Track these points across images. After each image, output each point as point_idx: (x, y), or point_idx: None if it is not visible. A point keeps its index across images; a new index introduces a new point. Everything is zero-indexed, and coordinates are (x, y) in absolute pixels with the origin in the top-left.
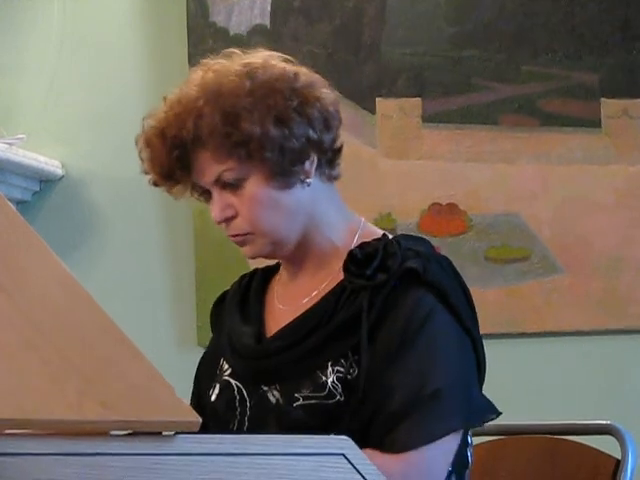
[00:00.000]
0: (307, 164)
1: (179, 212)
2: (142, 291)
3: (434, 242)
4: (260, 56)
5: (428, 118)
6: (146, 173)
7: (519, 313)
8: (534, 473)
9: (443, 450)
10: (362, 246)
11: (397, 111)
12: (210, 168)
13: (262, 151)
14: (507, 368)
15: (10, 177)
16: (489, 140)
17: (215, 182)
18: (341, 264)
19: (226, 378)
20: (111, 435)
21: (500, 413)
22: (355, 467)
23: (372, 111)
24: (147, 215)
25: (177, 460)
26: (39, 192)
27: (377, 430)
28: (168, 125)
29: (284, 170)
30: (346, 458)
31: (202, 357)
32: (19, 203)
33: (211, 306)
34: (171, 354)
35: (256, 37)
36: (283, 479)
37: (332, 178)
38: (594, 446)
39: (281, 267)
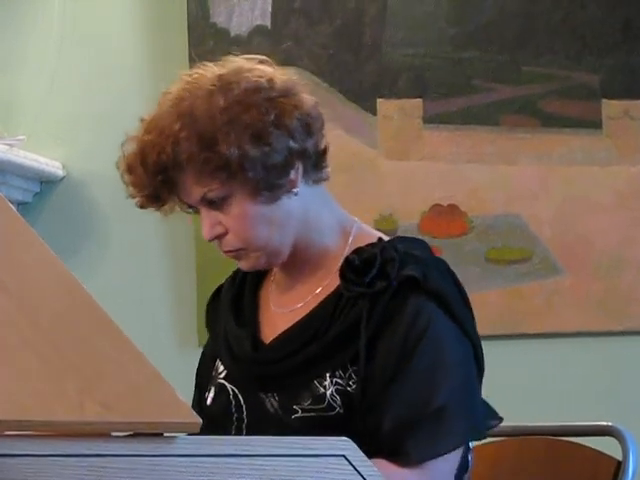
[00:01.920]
0: (292, 173)
1: (180, 213)
2: (143, 292)
3: (435, 243)
4: (233, 66)
5: (429, 119)
6: (132, 197)
7: (520, 314)
8: (535, 474)
9: (451, 462)
10: (358, 251)
11: (398, 112)
12: (193, 189)
13: (244, 172)
14: (508, 369)
15: (11, 178)
16: (490, 141)
17: (201, 201)
18: (336, 267)
19: (221, 381)
20: (112, 436)
21: (501, 419)
22: (356, 469)
23: (373, 112)
24: (148, 216)
25: (178, 461)
26: (40, 193)
27: (382, 442)
28: (147, 151)
29: (269, 185)
30: (347, 459)
31: (201, 356)
32: (20, 204)
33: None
34: (172, 355)
35: (257, 38)
36: None
37: (320, 180)
38: (595, 447)
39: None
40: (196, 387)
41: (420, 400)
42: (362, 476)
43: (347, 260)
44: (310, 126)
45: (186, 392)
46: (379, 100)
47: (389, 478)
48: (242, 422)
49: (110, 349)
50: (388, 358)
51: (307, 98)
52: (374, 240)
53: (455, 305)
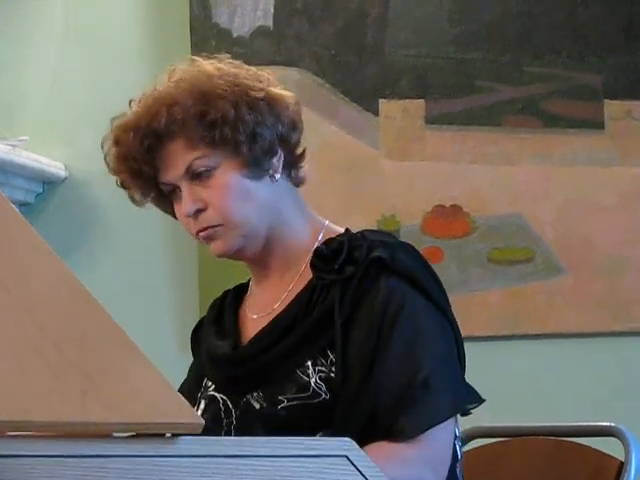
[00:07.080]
0: (275, 159)
1: None
2: (145, 293)
3: (437, 244)
4: (233, 63)
5: (431, 119)
6: (114, 173)
7: (522, 315)
8: (537, 475)
9: (447, 432)
10: (327, 242)
11: (400, 112)
12: (181, 158)
13: (236, 134)
14: (510, 370)
15: (13, 179)
16: (492, 141)
17: (185, 173)
18: (307, 263)
19: (211, 393)
20: (114, 437)
21: (483, 400)
22: (358, 469)
23: (375, 112)
24: (150, 217)
25: (180, 462)
26: (42, 194)
27: (378, 424)
28: (139, 118)
29: (255, 159)
30: (349, 460)
31: (183, 381)
32: (22, 205)
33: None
34: (173, 356)
35: (259, 38)
36: None
37: (297, 182)
38: (597, 448)
39: (250, 282)
40: None
41: (406, 373)
42: (364, 476)
43: (317, 250)
44: (296, 123)
45: None
46: (381, 101)
47: (388, 458)
48: (231, 425)
49: (112, 350)
50: (367, 339)
51: (296, 105)
52: (342, 232)
53: (426, 283)
